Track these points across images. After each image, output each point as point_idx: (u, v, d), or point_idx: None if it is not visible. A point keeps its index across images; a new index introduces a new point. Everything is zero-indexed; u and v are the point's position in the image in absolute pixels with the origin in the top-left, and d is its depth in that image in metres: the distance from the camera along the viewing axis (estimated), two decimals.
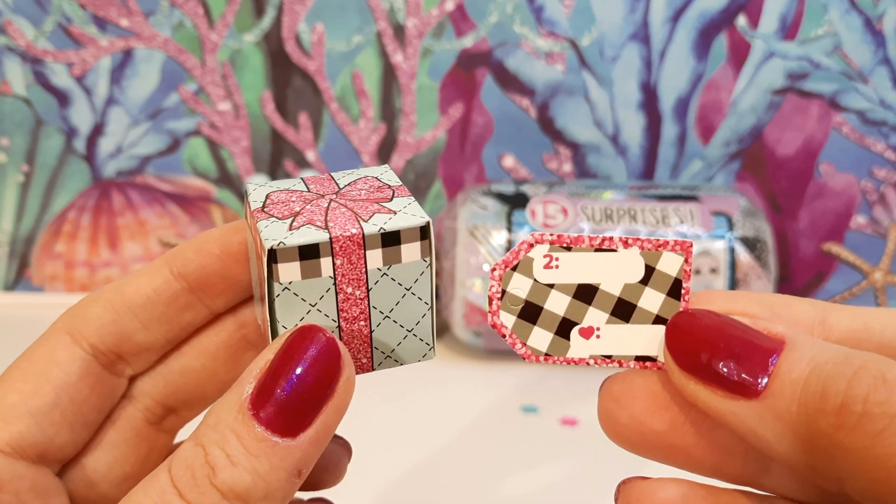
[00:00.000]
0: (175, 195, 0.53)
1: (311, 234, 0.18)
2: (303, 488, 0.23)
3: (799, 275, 0.53)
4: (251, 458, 0.17)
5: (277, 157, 0.52)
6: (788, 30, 0.48)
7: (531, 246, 0.19)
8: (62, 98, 0.51)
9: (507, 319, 0.19)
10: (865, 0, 0.47)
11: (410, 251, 0.19)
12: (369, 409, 0.43)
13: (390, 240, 0.19)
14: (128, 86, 0.51)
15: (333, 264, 0.19)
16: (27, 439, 0.20)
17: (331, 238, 0.18)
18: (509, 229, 0.46)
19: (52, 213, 0.53)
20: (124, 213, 0.53)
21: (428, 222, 0.19)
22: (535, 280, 0.19)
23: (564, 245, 0.18)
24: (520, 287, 0.19)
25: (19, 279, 0.55)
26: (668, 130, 0.51)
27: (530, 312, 0.19)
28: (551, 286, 0.19)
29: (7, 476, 0.19)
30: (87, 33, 0.50)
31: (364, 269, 0.19)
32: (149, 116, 0.51)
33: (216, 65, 0.50)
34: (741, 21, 0.49)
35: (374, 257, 0.19)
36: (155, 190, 0.53)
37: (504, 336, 0.19)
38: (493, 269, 0.19)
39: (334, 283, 0.19)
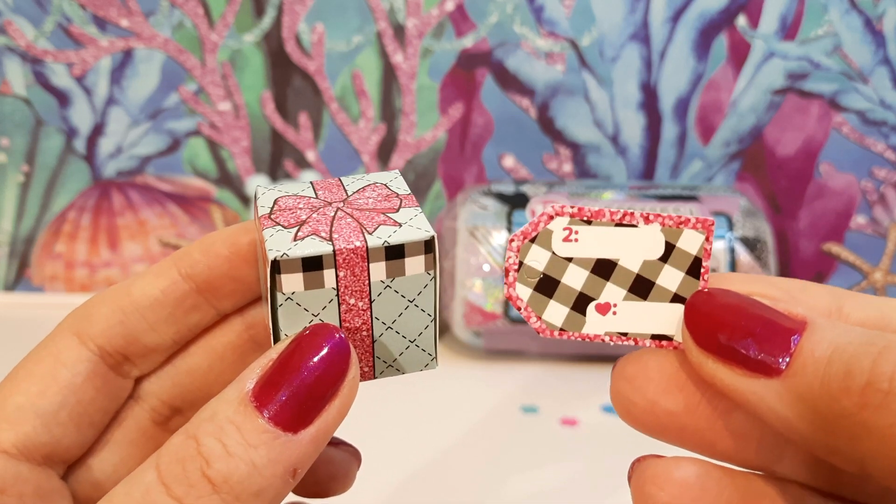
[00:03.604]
0: (175, 195, 0.53)
1: (314, 246, 0.18)
2: (310, 495, 0.23)
3: (799, 275, 0.53)
4: (249, 449, 0.17)
5: (277, 157, 0.52)
6: (788, 30, 0.48)
7: (551, 218, 0.18)
8: (62, 98, 0.51)
9: (524, 292, 0.19)
10: (865, 0, 0.47)
11: (414, 264, 0.19)
12: (369, 409, 0.43)
13: (394, 253, 0.19)
14: (128, 86, 0.51)
15: (336, 276, 0.19)
16: (33, 440, 0.20)
17: (334, 250, 0.18)
18: (509, 229, 0.46)
19: (52, 213, 0.53)
20: (124, 213, 0.53)
21: (433, 236, 0.19)
22: (553, 253, 0.18)
23: (585, 218, 0.18)
24: (537, 259, 0.18)
25: (19, 279, 0.55)
26: (668, 130, 0.51)
27: (547, 286, 0.18)
28: (569, 260, 0.18)
29: (11, 479, 0.19)
30: (87, 33, 0.50)
31: (367, 281, 0.19)
32: (149, 116, 0.51)
33: (216, 65, 0.50)
34: (741, 21, 0.49)
35: (378, 270, 0.19)
36: (155, 190, 0.53)
37: (519, 309, 0.19)
38: (512, 240, 0.18)
39: (337, 295, 0.19)
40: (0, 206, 0.53)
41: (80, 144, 0.52)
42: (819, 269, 0.53)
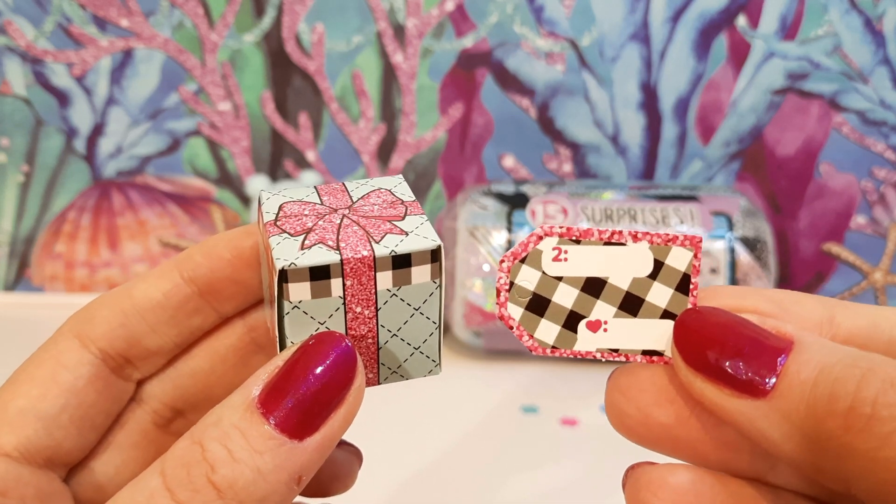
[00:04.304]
0: (175, 195, 0.53)
1: (322, 256, 0.18)
2: (311, 495, 0.23)
3: (799, 275, 0.53)
4: (255, 455, 0.17)
5: (277, 157, 0.52)
6: (788, 30, 0.48)
7: (540, 238, 0.19)
8: (62, 98, 0.51)
9: (515, 311, 0.19)
10: (865, 0, 0.47)
11: (420, 273, 0.19)
12: (369, 409, 0.43)
13: (401, 262, 0.19)
14: (128, 86, 0.51)
15: (344, 285, 0.19)
16: (35, 444, 0.20)
17: (342, 260, 0.18)
18: (509, 229, 0.46)
19: (52, 213, 0.53)
20: (124, 213, 0.53)
21: (439, 246, 0.19)
22: (543, 272, 0.19)
23: (573, 238, 0.18)
24: (528, 279, 0.19)
25: (19, 279, 0.55)
26: (668, 130, 0.51)
27: (538, 305, 0.19)
28: (559, 279, 0.19)
29: (12, 482, 0.19)
30: (87, 33, 0.50)
31: (374, 290, 0.19)
32: (149, 116, 0.51)
33: (216, 65, 0.50)
34: (741, 21, 0.49)
35: (385, 279, 0.19)
36: (155, 190, 0.53)
37: (511, 328, 0.19)
38: (502, 261, 0.19)
39: (344, 303, 0.19)
40: (0, 206, 0.53)
41: (80, 144, 0.52)
42: (819, 269, 0.53)
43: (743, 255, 0.46)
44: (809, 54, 0.49)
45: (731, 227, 0.46)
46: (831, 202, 0.52)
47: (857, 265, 0.52)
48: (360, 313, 0.19)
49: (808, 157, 0.51)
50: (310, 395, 0.17)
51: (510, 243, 0.45)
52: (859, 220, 0.52)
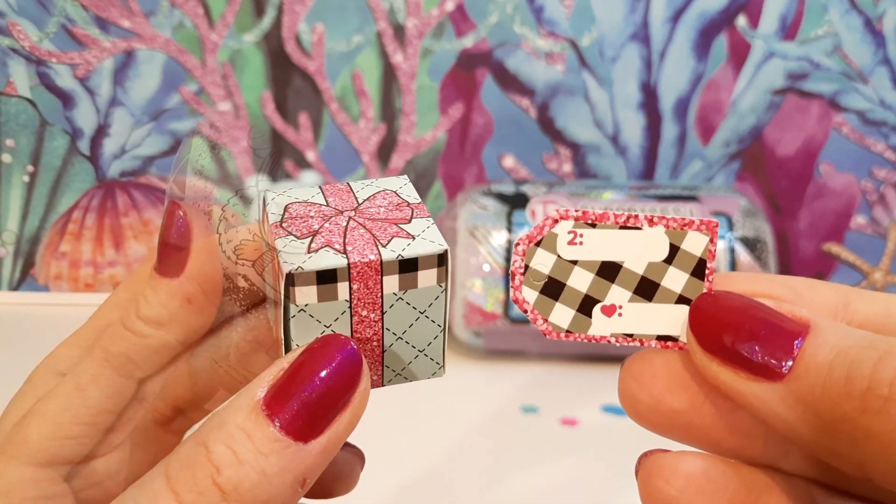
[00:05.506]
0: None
1: (329, 259, 0.18)
2: (314, 496, 0.23)
3: (799, 275, 0.53)
4: (260, 457, 0.17)
5: (277, 158, 0.53)
6: (788, 30, 0.49)
7: (556, 221, 0.18)
8: (66, 99, 0.51)
9: (530, 295, 0.19)
10: (865, 0, 0.47)
11: (427, 277, 0.19)
12: (369, 409, 0.43)
13: (407, 266, 0.19)
14: (130, 87, 0.51)
15: (350, 289, 0.19)
16: (37, 443, 0.20)
17: (349, 264, 0.18)
18: (509, 230, 0.46)
19: (56, 212, 0.54)
20: (128, 212, 0.54)
21: (446, 250, 0.19)
22: (558, 256, 0.19)
23: (589, 222, 0.18)
24: (543, 263, 0.19)
25: (25, 278, 0.55)
26: (668, 130, 0.51)
27: (553, 289, 0.19)
28: (575, 263, 0.19)
29: (15, 482, 0.19)
30: (90, 34, 0.50)
31: (380, 294, 0.19)
32: (151, 117, 0.52)
33: (216, 65, 0.51)
34: (741, 21, 0.49)
35: (391, 283, 0.19)
36: (158, 190, 0.53)
37: (526, 311, 0.19)
38: (517, 244, 0.19)
39: (350, 307, 0.19)
40: (6, 206, 0.53)
41: (84, 145, 0.52)
42: (819, 269, 0.53)
43: (743, 255, 0.46)
44: (809, 54, 0.49)
45: (731, 227, 0.46)
46: (831, 202, 0.52)
47: (857, 265, 0.52)
48: (365, 316, 0.19)
49: (808, 157, 0.51)
50: (315, 397, 0.17)
51: (510, 244, 0.46)
52: (859, 220, 0.52)
